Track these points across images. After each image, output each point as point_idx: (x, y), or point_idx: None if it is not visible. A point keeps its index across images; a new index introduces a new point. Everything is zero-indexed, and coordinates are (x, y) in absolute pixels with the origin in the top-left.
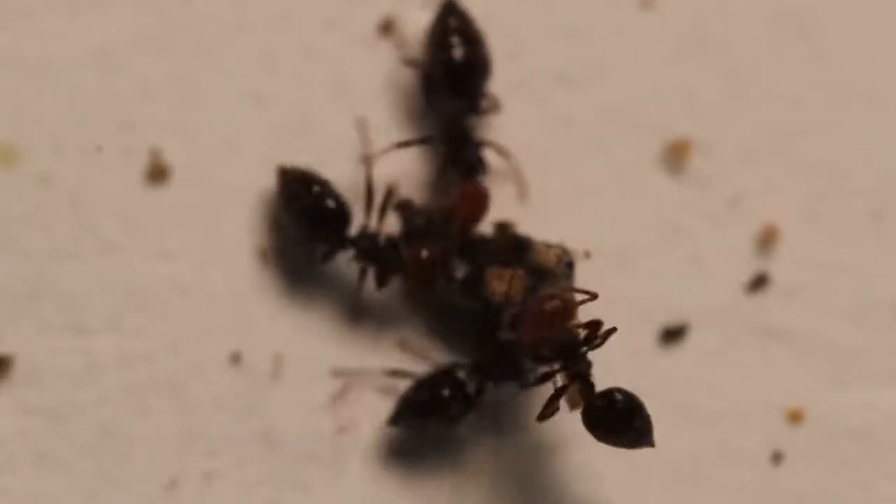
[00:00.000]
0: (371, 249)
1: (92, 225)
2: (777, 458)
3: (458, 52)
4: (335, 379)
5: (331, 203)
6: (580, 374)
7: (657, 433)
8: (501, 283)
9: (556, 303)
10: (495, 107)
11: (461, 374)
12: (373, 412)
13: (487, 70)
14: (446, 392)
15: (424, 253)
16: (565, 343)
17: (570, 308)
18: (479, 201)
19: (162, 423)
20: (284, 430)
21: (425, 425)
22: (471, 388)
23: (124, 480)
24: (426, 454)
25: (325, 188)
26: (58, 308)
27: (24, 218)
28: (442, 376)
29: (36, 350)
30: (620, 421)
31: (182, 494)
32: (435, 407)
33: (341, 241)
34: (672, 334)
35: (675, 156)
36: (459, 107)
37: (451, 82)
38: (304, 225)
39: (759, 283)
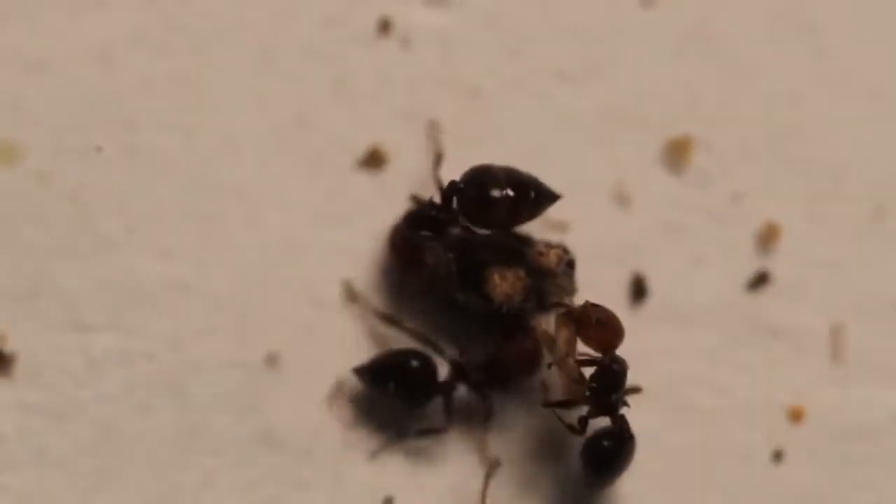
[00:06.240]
0: None
1: (92, 223)
2: (778, 456)
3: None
4: (336, 377)
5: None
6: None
7: (657, 431)
8: (504, 282)
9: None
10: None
11: (437, 358)
12: (373, 412)
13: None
14: (414, 364)
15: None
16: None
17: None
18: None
19: (162, 422)
20: (285, 429)
21: (382, 389)
22: (441, 376)
23: (124, 479)
24: (426, 454)
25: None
26: (58, 306)
27: (25, 216)
28: (416, 352)
29: (37, 348)
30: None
31: (182, 493)
32: (397, 375)
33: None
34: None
35: (677, 153)
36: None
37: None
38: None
39: (760, 280)
